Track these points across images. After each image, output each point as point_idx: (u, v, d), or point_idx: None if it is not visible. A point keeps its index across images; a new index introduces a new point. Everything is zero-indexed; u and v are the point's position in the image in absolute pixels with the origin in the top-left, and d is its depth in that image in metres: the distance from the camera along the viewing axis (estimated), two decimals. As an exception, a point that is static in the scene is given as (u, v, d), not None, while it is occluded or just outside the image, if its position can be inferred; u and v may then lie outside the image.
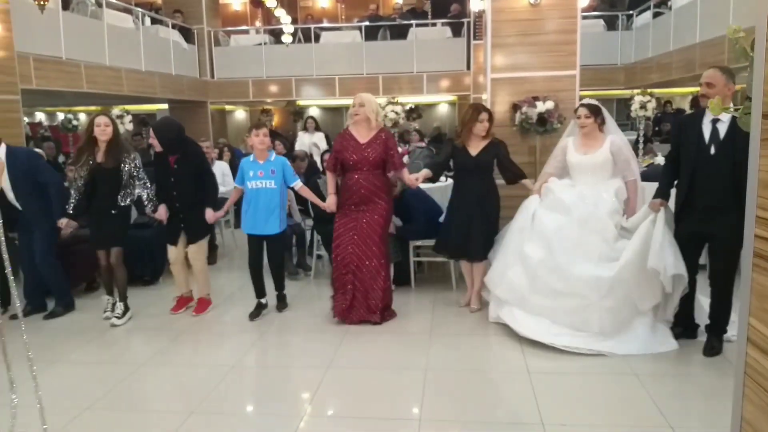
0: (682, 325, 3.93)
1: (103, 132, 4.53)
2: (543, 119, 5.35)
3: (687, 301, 3.85)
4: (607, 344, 3.74)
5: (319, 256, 5.91)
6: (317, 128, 10.39)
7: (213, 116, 13.83)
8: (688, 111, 11.84)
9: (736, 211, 3.46)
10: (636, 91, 8.51)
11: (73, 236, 5.00)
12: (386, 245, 4.53)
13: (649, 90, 8.43)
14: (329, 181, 4.60)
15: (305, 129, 10.59)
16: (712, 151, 3.53)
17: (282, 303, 4.85)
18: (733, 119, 3.42)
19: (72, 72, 8.76)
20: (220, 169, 6.90)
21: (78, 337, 4.35)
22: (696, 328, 3.93)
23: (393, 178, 4.69)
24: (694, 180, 3.59)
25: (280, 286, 4.84)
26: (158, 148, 4.55)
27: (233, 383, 3.52)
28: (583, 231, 3.90)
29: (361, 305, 4.42)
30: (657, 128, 11.69)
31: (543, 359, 3.69)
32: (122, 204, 4.63)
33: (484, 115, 4.49)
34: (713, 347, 3.68)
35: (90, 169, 4.52)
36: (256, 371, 3.81)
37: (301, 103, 15.64)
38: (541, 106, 5.36)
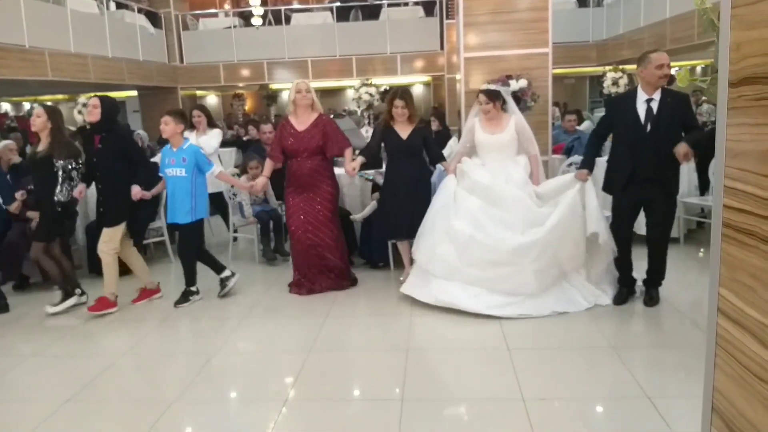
0: (626, 285, 4.25)
1: (33, 123, 4.51)
2: (517, 97, 5.36)
3: (626, 263, 4.20)
4: (540, 307, 4.03)
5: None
6: (211, 124, 6.39)
7: (184, 102, 13.61)
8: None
9: (669, 180, 3.93)
10: (608, 68, 8.57)
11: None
12: (337, 224, 4.82)
13: (621, 66, 8.50)
14: (266, 165, 4.77)
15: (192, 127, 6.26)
16: (648, 128, 3.88)
17: (183, 298, 4.66)
18: (663, 99, 3.86)
19: (36, 60, 8.53)
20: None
21: (54, 332, 4.29)
22: (634, 283, 4.30)
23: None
24: (634, 155, 3.92)
25: (188, 280, 4.68)
26: (96, 117, 4.37)
27: (214, 371, 3.50)
28: (504, 206, 4.16)
29: (321, 279, 4.74)
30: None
31: (521, 336, 3.74)
32: (58, 198, 4.49)
33: (398, 102, 4.62)
34: (652, 297, 4.14)
35: (27, 158, 4.51)
36: (236, 358, 3.80)
37: (273, 86, 15.46)
38: (515, 85, 5.37)
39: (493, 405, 2.92)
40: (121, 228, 4.55)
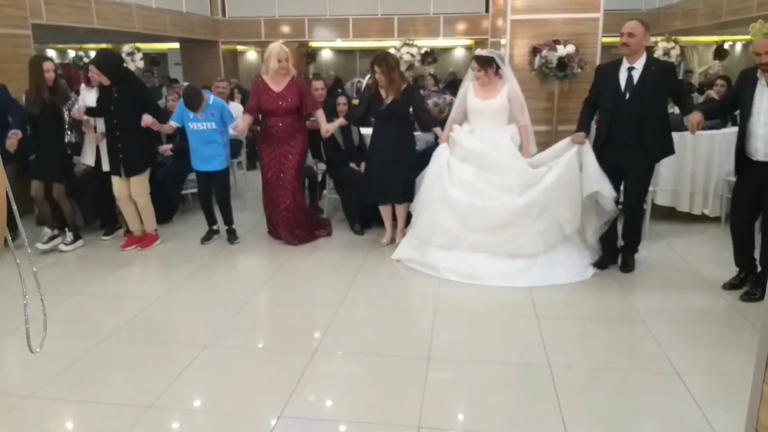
0: (609, 252, 4.29)
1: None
2: (563, 64, 5.22)
3: (610, 230, 4.23)
4: (538, 280, 4.02)
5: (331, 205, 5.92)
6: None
7: (225, 57, 13.61)
8: (713, 61, 11.50)
9: (645, 149, 3.93)
10: (660, 38, 8.25)
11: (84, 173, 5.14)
12: (300, 180, 5.07)
13: (673, 37, 8.17)
14: (245, 119, 4.87)
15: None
16: (627, 96, 3.95)
17: (232, 236, 5.11)
18: (646, 67, 3.92)
19: (82, 7, 8.60)
20: (234, 110, 6.88)
21: (95, 272, 4.43)
22: (617, 251, 4.31)
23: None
24: (612, 122, 4.00)
25: (228, 220, 5.14)
26: (105, 82, 4.63)
27: (247, 319, 3.58)
28: (499, 171, 4.18)
29: (290, 230, 4.97)
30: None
31: (550, 304, 3.72)
32: (65, 141, 4.83)
33: (376, 68, 4.61)
34: (627, 264, 4.22)
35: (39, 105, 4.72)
36: (268, 308, 3.87)
37: (313, 44, 15.33)
38: (562, 50, 5.22)
39: (519, 369, 2.93)
40: (147, 174, 4.87)
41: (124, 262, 4.69)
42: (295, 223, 4.96)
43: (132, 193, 4.83)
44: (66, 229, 4.95)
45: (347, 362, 3.07)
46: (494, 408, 2.59)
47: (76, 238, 4.98)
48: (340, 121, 5.00)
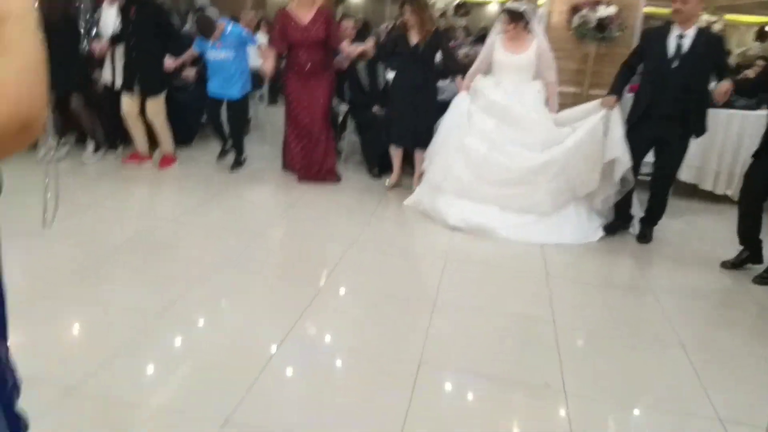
0: (622, 219, 4.25)
1: None
2: (602, 25, 5.07)
3: (628, 197, 4.17)
4: (547, 236, 4.02)
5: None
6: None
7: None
8: (753, 43, 11.11)
9: (686, 121, 3.84)
10: (704, 12, 7.97)
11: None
12: (329, 114, 4.97)
13: (719, 13, 7.89)
14: (270, 55, 4.79)
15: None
16: (675, 64, 3.82)
17: (236, 165, 5.12)
18: (697, 36, 3.78)
19: None
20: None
21: (112, 186, 4.46)
22: (630, 219, 4.29)
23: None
24: (655, 91, 3.87)
25: (239, 150, 5.14)
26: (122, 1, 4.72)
27: (258, 248, 3.61)
28: (521, 127, 4.12)
29: (308, 166, 4.91)
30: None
31: (561, 265, 3.72)
32: (80, 52, 4.84)
33: (406, 8, 4.52)
34: (645, 236, 4.19)
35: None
36: (280, 240, 3.90)
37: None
38: (603, 11, 5.06)
39: (524, 322, 2.95)
40: (163, 95, 4.88)
41: (141, 180, 4.72)
42: (315, 161, 4.91)
43: (148, 113, 4.85)
44: (88, 141, 4.98)
45: (353, 300, 3.11)
46: (496, 354, 2.63)
47: (97, 148, 5.01)
48: (366, 45, 4.90)
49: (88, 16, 4.83)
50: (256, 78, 6.45)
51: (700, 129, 3.98)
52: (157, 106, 4.84)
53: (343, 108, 5.92)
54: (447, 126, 4.38)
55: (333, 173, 5.02)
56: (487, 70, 4.46)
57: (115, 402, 2.08)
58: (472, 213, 4.11)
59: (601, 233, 4.17)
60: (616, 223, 4.26)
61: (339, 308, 2.99)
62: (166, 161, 5.03)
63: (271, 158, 5.50)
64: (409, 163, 4.96)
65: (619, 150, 3.96)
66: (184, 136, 5.62)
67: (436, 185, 4.32)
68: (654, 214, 4.21)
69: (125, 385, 2.18)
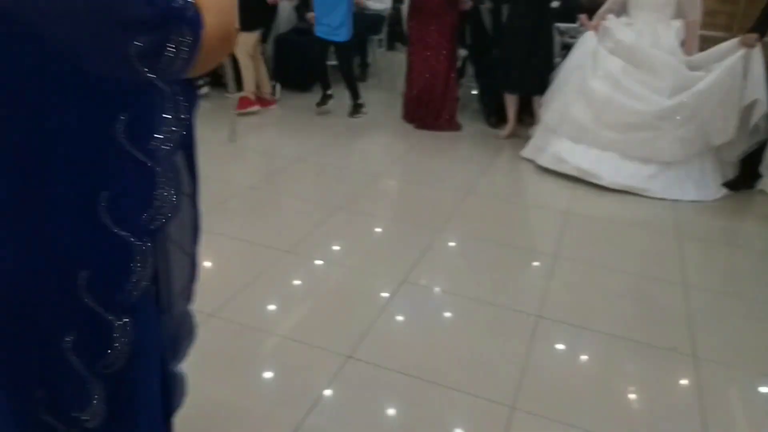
0: (748, 175, 3.90)
1: None
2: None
3: (759, 150, 3.81)
4: (666, 191, 3.74)
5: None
6: None
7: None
8: None
9: None
10: None
11: None
12: (452, 60, 4.80)
13: None
14: None
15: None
16: None
17: (355, 109, 5.09)
18: None
19: None
20: None
21: (244, 126, 4.69)
22: (758, 178, 3.89)
23: None
24: None
25: (354, 95, 5.09)
26: None
27: (377, 190, 3.68)
28: (650, 70, 3.83)
29: (426, 114, 4.82)
30: None
31: (691, 224, 3.47)
32: None
33: None
34: None
35: None
36: (398, 186, 3.94)
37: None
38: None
39: (650, 282, 2.81)
40: (254, 34, 4.89)
41: (261, 122, 4.91)
42: (435, 109, 4.82)
43: (235, 48, 4.89)
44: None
45: (471, 246, 3.09)
46: (619, 313, 2.53)
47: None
48: None
49: None
50: (376, 21, 6.42)
51: None
52: (243, 43, 4.74)
53: (463, 53, 5.76)
54: (569, 67, 4.15)
55: (453, 122, 4.93)
56: (620, 11, 4.14)
57: (247, 327, 2.24)
58: (587, 159, 3.88)
59: (723, 191, 3.83)
60: (741, 178, 3.89)
61: (456, 256, 3.00)
62: (244, 103, 4.98)
63: (389, 105, 5.50)
64: (527, 112, 4.77)
65: (759, 91, 3.58)
66: (305, 81, 5.73)
67: (552, 128, 4.13)
68: None
69: (256, 314, 2.34)
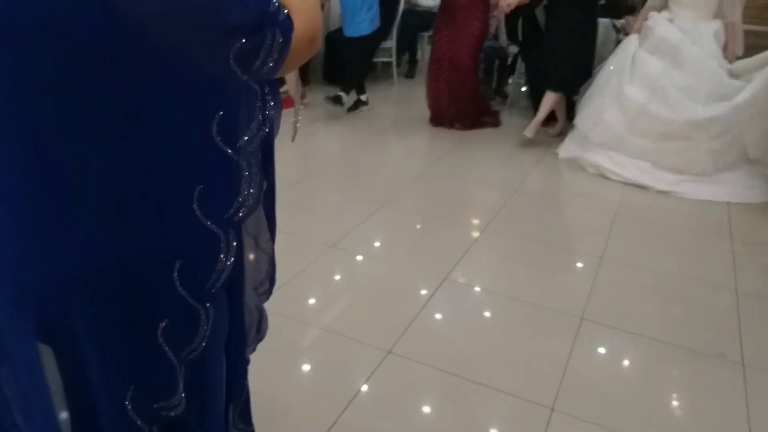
0: None
1: None
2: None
3: None
4: (704, 190, 3.65)
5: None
6: None
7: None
8: None
9: None
10: None
11: None
12: (476, 62, 4.69)
13: None
14: None
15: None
16: None
17: (356, 104, 4.98)
18: None
19: None
20: None
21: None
22: None
23: None
24: None
25: (359, 89, 4.99)
26: None
27: (421, 187, 3.70)
28: (691, 72, 3.72)
29: (452, 116, 4.69)
30: None
31: (746, 227, 3.35)
32: None
33: None
34: None
35: None
36: (440, 183, 3.93)
37: None
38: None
39: (700, 286, 2.74)
40: None
41: (315, 118, 4.98)
42: (462, 112, 4.70)
43: None
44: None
45: (513, 247, 3.06)
46: (665, 317, 2.48)
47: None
48: None
49: None
50: (427, 18, 6.38)
51: None
52: None
53: (513, 49, 5.70)
54: (608, 70, 4.06)
55: (489, 115, 4.85)
56: (661, 7, 4.03)
57: (290, 318, 2.30)
58: (620, 166, 3.83)
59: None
60: None
61: (499, 254, 2.98)
62: (287, 103, 5.09)
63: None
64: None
65: None
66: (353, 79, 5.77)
67: (584, 134, 4.06)
68: None
69: (300, 306, 2.40)
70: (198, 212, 0.89)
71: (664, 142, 3.74)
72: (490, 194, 3.67)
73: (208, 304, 0.95)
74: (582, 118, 4.11)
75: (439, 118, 4.79)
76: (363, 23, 4.74)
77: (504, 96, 5.62)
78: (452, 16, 4.53)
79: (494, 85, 5.69)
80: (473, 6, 4.51)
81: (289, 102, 5.21)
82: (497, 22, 5.48)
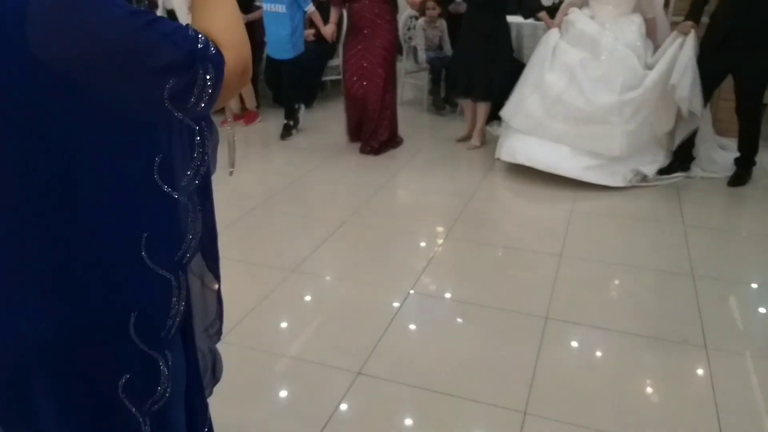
0: (680, 159, 3.95)
1: None
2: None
3: (691, 134, 3.87)
4: (618, 176, 3.78)
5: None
6: None
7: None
8: None
9: (765, 48, 3.15)
10: None
11: None
12: (390, 77, 4.52)
13: None
14: (332, 12, 4.54)
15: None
16: None
17: (286, 131, 4.94)
18: None
19: None
20: None
21: (248, 150, 4.73)
22: (692, 160, 3.98)
23: None
24: (735, 14, 3.54)
25: (288, 113, 4.98)
26: None
27: (380, 202, 3.70)
28: (607, 63, 3.85)
29: (365, 134, 4.57)
30: None
31: (696, 213, 3.46)
32: None
33: None
34: (740, 177, 3.83)
35: None
36: (400, 196, 3.95)
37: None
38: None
39: (657, 274, 2.81)
40: None
41: (268, 143, 4.95)
42: (375, 130, 4.54)
43: None
44: None
45: (476, 250, 3.10)
46: (627, 308, 2.54)
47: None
48: None
49: None
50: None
51: None
52: None
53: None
54: (531, 63, 4.20)
55: (397, 138, 4.72)
56: (582, 4, 4.18)
57: (256, 350, 2.26)
58: (540, 151, 3.91)
59: (681, 175, 3.91)
60: (675, 164, 3.94)
61: (460, 263, 3.00)
62: (250, 117, 5.24)
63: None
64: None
65: (676, 76, 3.60)
66: (304, 98, 5.75)
67: (507, 121, 4.19)
68: (746, 154, 3.82)
69: (265, 336, 2.36)
70: (147, 260, 0.87)
71: (581, 126, 3.83)
72: (447, 203, 3.69)
73: (166, 352, 0.93)
74: (505, 108, 4.23)
75: (356, 134, 4.70)
76: (285, 47, 4.75)
77: (454, 105, 5.68)
78: (360, 31, 4.43)
79: (442, 94, 5.74)
80: (380, 18, 4.39)
81: (252, 116, 5.21)
82: (440, 32, 5.56)
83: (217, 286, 1.10)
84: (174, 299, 0.92)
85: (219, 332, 1.16)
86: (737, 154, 3.88)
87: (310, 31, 5.56)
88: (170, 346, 0.94)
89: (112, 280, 0.85)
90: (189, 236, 0.93)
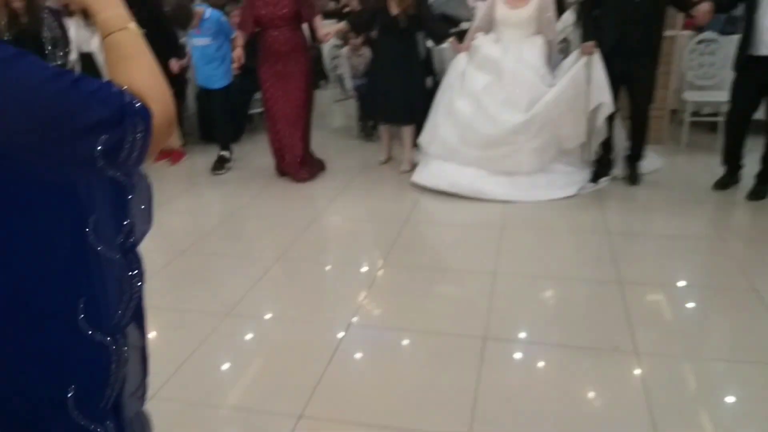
0: (601, 164, 4.19)
1: None
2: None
3: (608, 139, 4.13)
4: (538, 193, 3.97)
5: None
6: None
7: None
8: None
9: (654, 52, 3.89)
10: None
11: None
12: (307, 106, 4.54)
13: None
14: (238, 37, 4.47)
15: None
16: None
17: (218, 164, 4.85)
18: None
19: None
20: None
21: (173, 188, 4.60)
22: (610, 164, 4.23)
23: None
24: (622, 27, 3.80)
25: (222, 144, 4.94)
26: None
27: (316, 232, 3.67)
28: (511, 85, 4.03)
29: (288, 158, 4.58)
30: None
31: (518, 217, 3.62)
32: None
33: None
34: (635, 176, 4.15)
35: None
36: (330, 227, 3.93)
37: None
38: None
39: (587, 285, 2.90)
40: None
41: (197, 181, 4.84)
42: (293, 144, 4.54)
43: None
44: None
45: (414, 275, 3.11)
46: (561, 320, 2.60)
47: None
48: (340, 25, 4.68)
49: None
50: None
51: (658, 59, 3.96)
52: None
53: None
54: (443, 88, 4.35)
55: (313, 165, 4.72)
56: (489, 28, 4.35)
57: (193, 403, 2.17)
58: (461, 177, 4.06)
59: (592, 186, 4.09)
60: (599, 171, 4.17)
61: (398, 290, 3.00)
62: (176, 156, 5.16)
63: (316, 148, 5.51)
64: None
65: (605, 95, 3.83)
66: (232, 132, 5.67)
67: (424, 148, 4.32)
68: (636, 152, 4.15)
69: (201, 387, 2.27)
70: (84, 326, 0.84)
71: (491, 149, 4.03)
72: (382, 229, 3.71)
73: (107, 422, 0.89)
74: (423, 135, 4.36)
75: (284, 168, 4.66)
76: (216, 75, 4.79)
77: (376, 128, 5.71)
78: (276, 56, 4.37)
79: (372, 123, 5.77)
80: (294, 50, 4.38)
81: (178, 155, 5.12)
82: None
83: (143, 343, 1.05)
84: (113, 366, 0.89)
85: (145, 392, 1.11)
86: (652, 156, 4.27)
87: (234, 65, 5.48)
88: (110, 416, 0.90)
89: (51, 348, 0.82)
90: (127, 295, 0.91)
